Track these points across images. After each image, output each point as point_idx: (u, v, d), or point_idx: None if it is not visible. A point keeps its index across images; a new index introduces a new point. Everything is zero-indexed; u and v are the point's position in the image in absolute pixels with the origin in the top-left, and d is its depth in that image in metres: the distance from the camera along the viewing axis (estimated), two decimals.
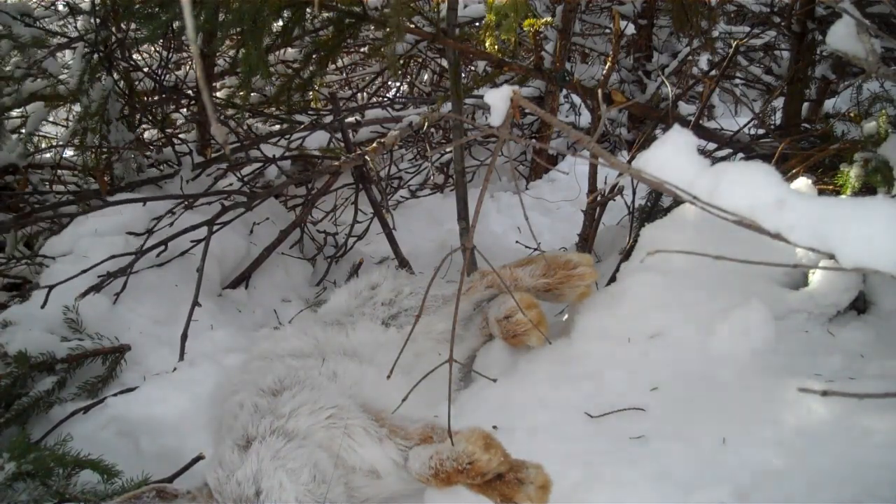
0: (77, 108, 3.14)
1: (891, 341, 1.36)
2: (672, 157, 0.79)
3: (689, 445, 1.16)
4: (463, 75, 3.94)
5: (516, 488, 1.10)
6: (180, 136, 3.63)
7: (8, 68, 2.90)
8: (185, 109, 3.90)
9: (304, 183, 3.37)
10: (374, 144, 2.32)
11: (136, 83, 3.34)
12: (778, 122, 3.29)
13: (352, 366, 1.45)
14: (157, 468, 1.43)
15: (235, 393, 1.43)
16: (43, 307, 1.96)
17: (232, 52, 3.80)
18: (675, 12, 3.11)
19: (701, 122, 2.78)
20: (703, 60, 4.28)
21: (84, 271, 2.07)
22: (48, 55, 3.09)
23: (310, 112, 3.63)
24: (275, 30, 2.31)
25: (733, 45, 2.36)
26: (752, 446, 1.14)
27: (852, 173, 1.42)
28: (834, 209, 0.75)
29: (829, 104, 3.38)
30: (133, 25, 2.75)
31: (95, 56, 2.67)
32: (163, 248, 2.25)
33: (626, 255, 1.75)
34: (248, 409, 1.32)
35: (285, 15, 2.25)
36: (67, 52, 3.54)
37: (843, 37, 0.99)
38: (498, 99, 0.84)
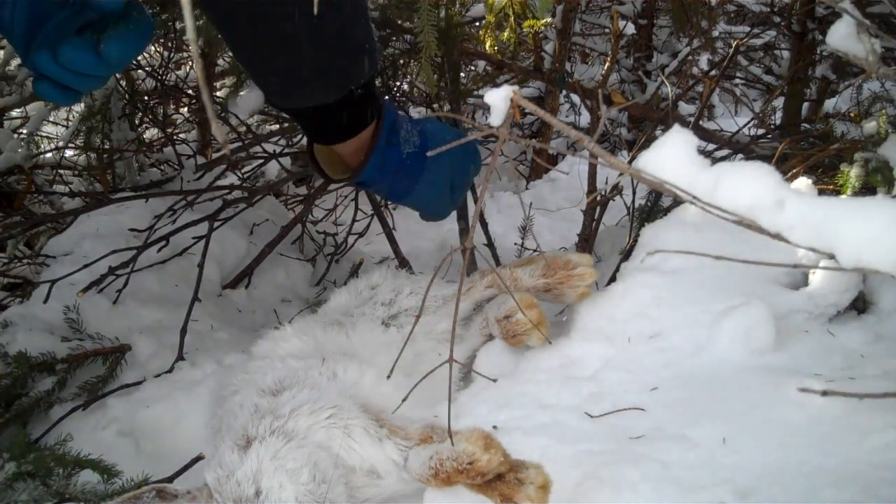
0: (77, 108, 3.14)
1: (891, 341, 1.36)
2: (672, 157, 0.79)
3: (690, 445, 1.16)
4: (462, 75, 3.94)
5: (516, 488, 1.10)
6: (181, 135, 3.64)
7: (10, 69, 2.90)
8: (185, 109, 3.91)
9: (305, 179, 3.38)
10: None
11: (138, 82, 3.34)
12: (778, 122, 3.30)
13: (352, 366, 1.45)
14: (157, 468, 1.43)
15: (235, 393, 1.43)
16: (45, 301, 1.96)
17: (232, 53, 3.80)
18: (675, 12, 3.12)
19: (701, 122, 2.78)
20: (703, 60, 4.28)
21: (86, 266, 2.07)
22: None
23: None
24: None
25: (733, 45, 2.36)
26: (752, 446, 1.14)
27: (852, 173, 1.42)
28: (834, 209, 0.75)
29: (829, 104, 3.39)
30: None
31: None
32: (164, 243, 2.26)
33: (626, 255, 1.75)
34: (248, 410, 1.31)
35: None
36: None
37: (843, 37, 0.98)
38: (498, 99, 0.84)
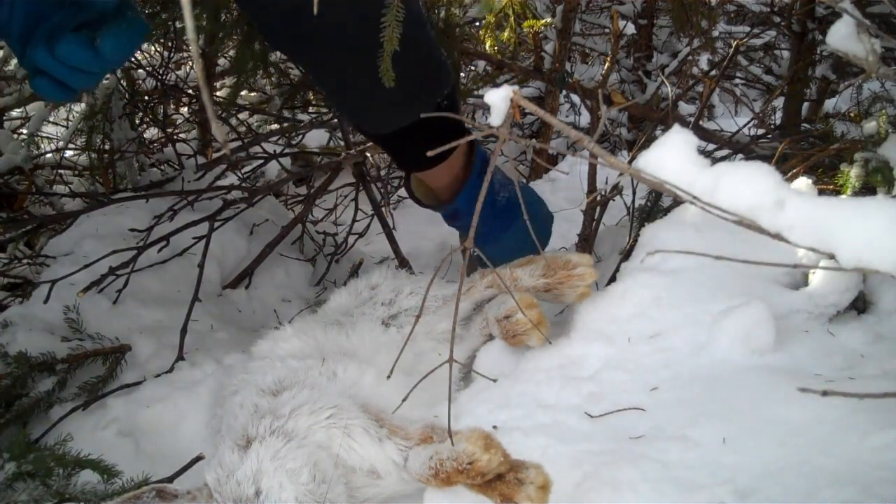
0: (77, 108, 3.14)
1: (891, 341, 1.36)
2: (672, 157, 0.79)
3: (690, 445, 1.16)
4: (462, 75, 3.94)
5: (516, 488, 1.10)
6: (181, 135, 3.64)
7: (9, 69, 2.90)
8: (185, 109, 3.91)
9: (305, 179, 3.38)
10: None
11: (138, 82, 3.34)
12: (778, 122, 3.30)
13: (352, 366, 1.45)
14: (157, 468, 1.43)
15: (235, 393, 1.43)
16: (45, 302, 1.96)
17: (232, 52, 3.81)
18: (675, 12, 3.12)
19: (701, 122, 2.78)
20: (703, 60, 4.28)
21: (86, 266, 2.07)
22: None
23: (310, 110, 3.64)
24: None
25: (733, 45, 2.36)
26: (752, 446, 1.14)
27: (852, 173, 1.42)
28: (834, 209, 0.75)
29: (829, 104, 3.39)
30: None
31: None
32: (164, 243, 2.26)
33: (626, 255, 1.75)
34: (248, 410, 1.32)
35: None
36: None
37: (843, 37, 0.98)
38: (498, 99, 0.84)
